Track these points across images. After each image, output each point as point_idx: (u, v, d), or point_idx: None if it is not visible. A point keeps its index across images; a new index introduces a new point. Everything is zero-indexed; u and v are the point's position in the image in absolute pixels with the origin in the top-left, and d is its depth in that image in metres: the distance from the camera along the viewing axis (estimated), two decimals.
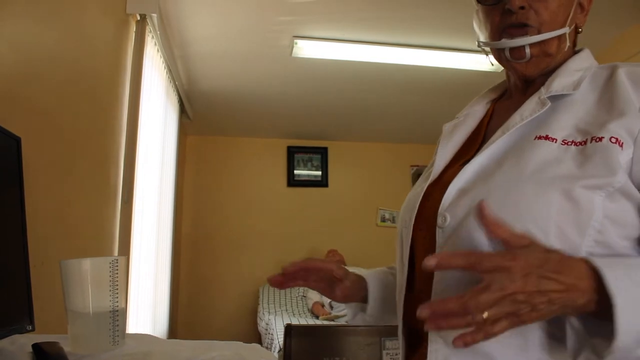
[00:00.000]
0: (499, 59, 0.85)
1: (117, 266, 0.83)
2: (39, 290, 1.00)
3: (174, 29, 2.69)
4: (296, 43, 2.81)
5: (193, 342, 0.93)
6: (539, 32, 0.78)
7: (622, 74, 0.74)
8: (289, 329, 1.73)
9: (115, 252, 2.06)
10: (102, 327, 0.81)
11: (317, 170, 5.06)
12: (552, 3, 0.78)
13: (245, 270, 4.73)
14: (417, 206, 0.81)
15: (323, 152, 5.08)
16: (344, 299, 0.97)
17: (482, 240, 0.69)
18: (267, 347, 3.52)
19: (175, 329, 4.22)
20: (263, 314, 4.19)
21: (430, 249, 0.77)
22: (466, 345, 0.57)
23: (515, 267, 0.57)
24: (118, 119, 2.08)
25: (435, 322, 0.58)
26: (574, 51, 0.85)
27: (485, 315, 0.55)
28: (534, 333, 0.67)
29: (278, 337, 3.39)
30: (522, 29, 0.78)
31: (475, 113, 0.92)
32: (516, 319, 0.57)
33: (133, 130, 2.14)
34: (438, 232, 0.75)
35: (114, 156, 2.05)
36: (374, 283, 0.98)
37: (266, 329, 3.86)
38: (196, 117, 4.18)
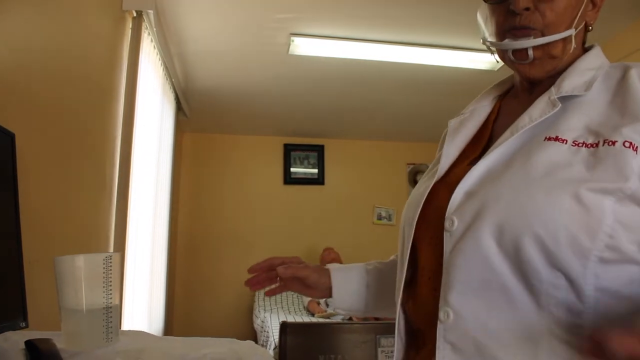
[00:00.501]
0: (502, 58, 0.84)
1: (111, 263, 0.83)
2: (33, 287, 1.00)
3: (170, 26, 2.68)
4: (293, 40, 2.80)
5: (187, 338, 0.93)
6: (543, 35, 0.76)
7: (635, 76, 0.73)
8: (285, 327, 1.74)
9: (111, 249, 2.06)
10: (95, 323, 0.81)
11: (313, 168, 5.06)
12: (558, 4, 0.75)
13: (241, 268, 4.68)
14: (422, 204, 0.80)
15: (319, 150, 5.08)
16: (321, 294, 1.01)
17: (490, 245, 0.68)
18: (262, 345, 3.52)
19: (171, 325, 4.22)
20: (259, 311, 4.19)
21: (436, 251, 0.76)
22: None
23: None
24: (114, 116, 2.08)
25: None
26: (583, 49, 0.83)
27: None
28: (546, 339, 0.66)
29: (274, 335, 3.39)
30: (526, 31, 0.76)
31: (481, 109, 0.91)
32: None
33: (129, 127, 2.14)
34: (446, 235, 0.73)
35: (110, 152, 2.04)
36: (338, 275, 1.01)
37: (262, 327, 3.87)
38: (193, 115, 4.17)
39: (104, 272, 0.82)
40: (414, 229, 0.81)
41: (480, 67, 3.09)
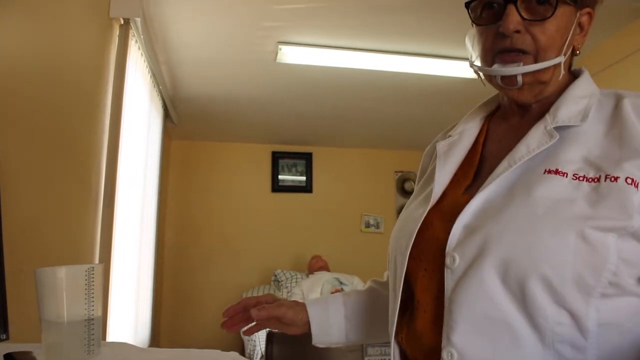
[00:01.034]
0: (490, 81, 0.82)
1: (93, 274, 0.82)
2: (16, 298, 0.98)
3: (157, 33, 2.68)
4: (280, 49, 2.81)
5: (171, 350, 0.92)
6: (535, 59, 0.75)
7: (629, 107, 0.73)
8: (271, 337, 1.73)
9: (96, 258, 2.03)
10: (76, 336, 0.80)
11: (301, 175, 5.06)
12: (549, 27, 0.74)
13: (229, 276, 4.70)
14: (415, 234, 0.79)
15: (307, 157, 5.09)
16: (300, 330, 0.99)
17: (494, 283, 0.67)
18: (249, 354, 3.50)
19: (158, 336, 4.18)
20: None
21: (432, 285, 0.75)
22: None
23: None
24: (100, 123, 2.06)
25: None
26: (570, 72, 0.83)
27: None
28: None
29: (260, 345, 3.37)
30: (516, 55, 0.75)
31: (469, 130, 0.89)
32: None
33: (115, 135, 2.12)
34: (447, 272, 0.72)
35: (96, 160, 2.03)
36: (315, 310, 0.99)
37: (249, 336, 3.84)
38: (180, 122, 4.16)
39: (86, 284, 0.81)
40: (407, 260, 0.79)
41: (467, 76, 3.11)
